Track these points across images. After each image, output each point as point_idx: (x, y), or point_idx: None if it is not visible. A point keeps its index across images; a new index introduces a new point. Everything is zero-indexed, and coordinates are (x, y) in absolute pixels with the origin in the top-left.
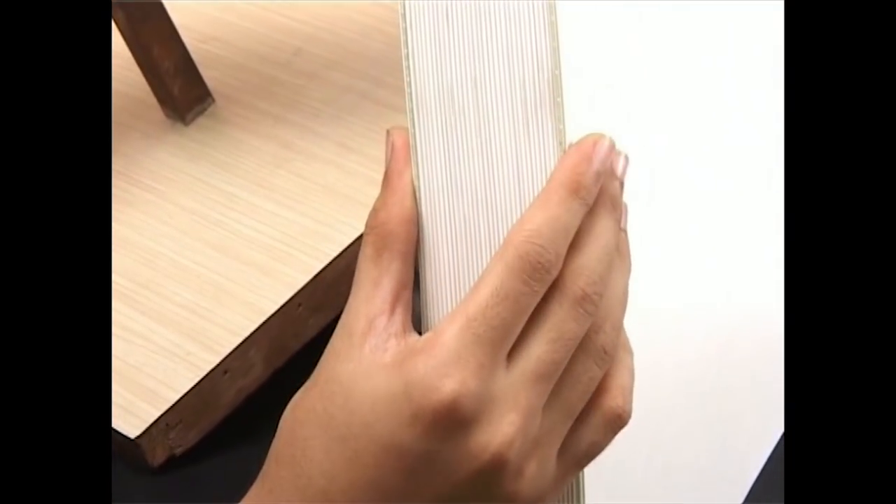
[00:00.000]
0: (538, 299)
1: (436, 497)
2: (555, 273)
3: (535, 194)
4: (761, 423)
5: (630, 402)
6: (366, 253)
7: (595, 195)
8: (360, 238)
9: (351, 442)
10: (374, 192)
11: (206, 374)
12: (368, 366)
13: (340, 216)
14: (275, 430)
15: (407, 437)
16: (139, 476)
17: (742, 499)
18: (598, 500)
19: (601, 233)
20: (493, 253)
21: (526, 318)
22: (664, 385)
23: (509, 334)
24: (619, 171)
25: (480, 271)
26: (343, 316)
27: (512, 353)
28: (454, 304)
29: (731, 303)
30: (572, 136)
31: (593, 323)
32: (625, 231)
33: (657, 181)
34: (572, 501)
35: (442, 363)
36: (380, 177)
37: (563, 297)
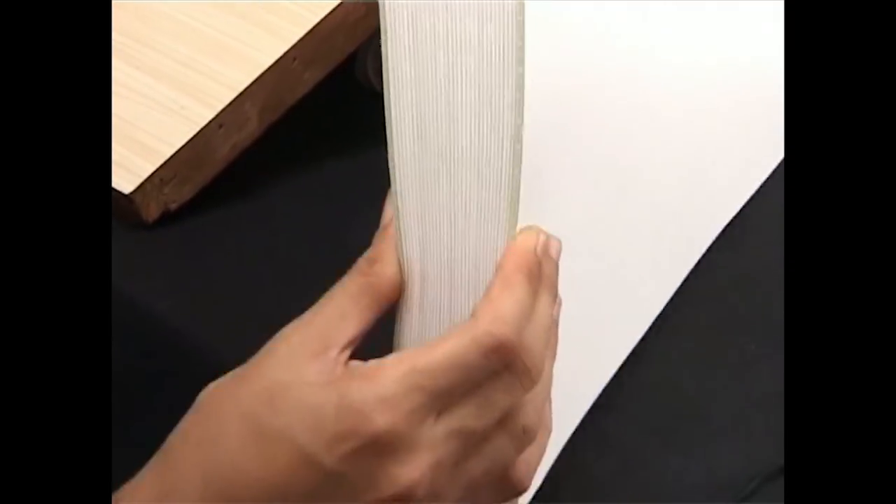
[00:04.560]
0: (489, 376)
1: None
2: (515, 354)
3: (489, 270)
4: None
5: (531, 478)
6: (348, 287)
7: (540, 278)
8: None
9: (269, 443)
10: None
11: (201, 129)
12: (307, 378)
13: None
14: (269, 185)
15: (325, 454)
16: (133, 231)
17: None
18: None
19: (542, 313)
20: (451, 319)
21: (470, 387)
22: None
23: (449, 397)
24: (554, 254)
25: (440, 332)
26: (296, 323)
27: (442, 410)
28: None
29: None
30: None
31: (519, 402)
32: (556, 321)
33: None
34: None
35: (378, 397)
36: None
37: (506, 370)
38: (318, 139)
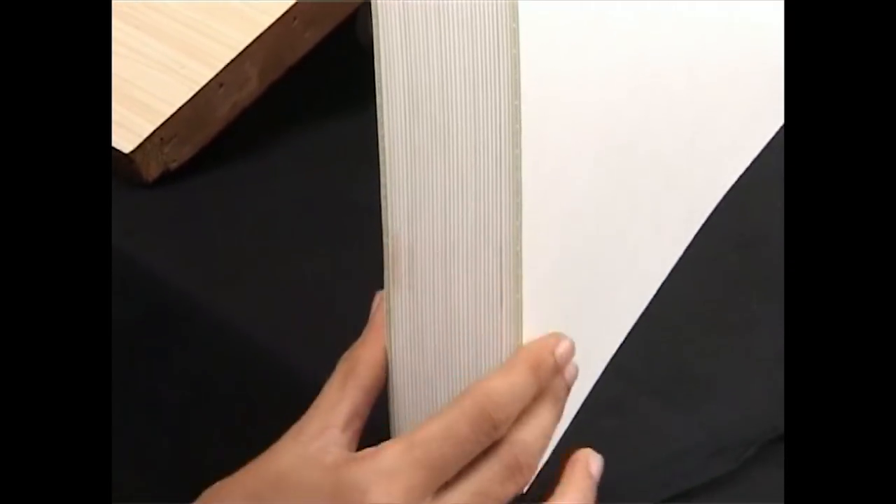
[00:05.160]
0: (479, 450)
1: None
2: (501, 431)
3: (489, 361)
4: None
5: None
6: (334, 379)
7: (548, 380)
8: None
9: None
10: None
11: (201, 88)
12: (308, 460)
13: None
14: (269, 145)
15: None
16: (133, 191)
17: None
18: None
19: (544, 417)
20: (447, 297)
21: (463, 463)
22: None
23: (445, 471)
24: (568, 377)
25: (434, 312)
26: (296, 424)
27: (439, 492)
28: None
29: None
30: None
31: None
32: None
33: None
34: None
35: (375, 472)
36: None
37: (499, 460)
38: (318, 99)
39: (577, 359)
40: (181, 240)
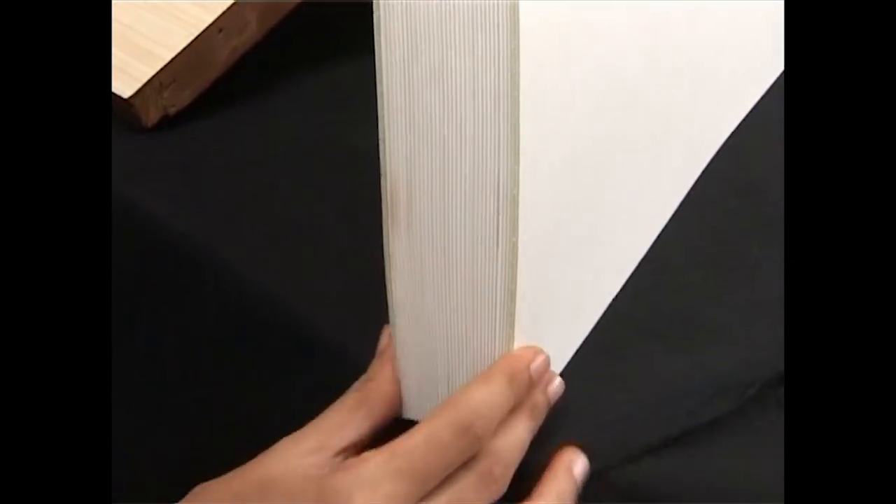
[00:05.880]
0: (461, 459)
1: None
2: (484, 442)
3: (485, 303)
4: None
5: None
6: (346, 401)
7: (524, 393)
8: None
9: None
10: None
11: (201, 33)
12: (297, 469)
13: None
14: (269, 90)
15: None
16: (133, 136)
17: None
18: None
19: (520, 429)
20: (445, 236)
21: (445, 473)
22: None
23: (427, 481)
24: (551, 393)
25: (432, 249)
26: (295, 434)
27: (421, 497)
28: None
29: None
30: None
31: None
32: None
33: None
34: None
35: (358, 481)
36: None
37: (475, 471)
38: (317, 44)
39: (573, 305)
40: (181, 184)
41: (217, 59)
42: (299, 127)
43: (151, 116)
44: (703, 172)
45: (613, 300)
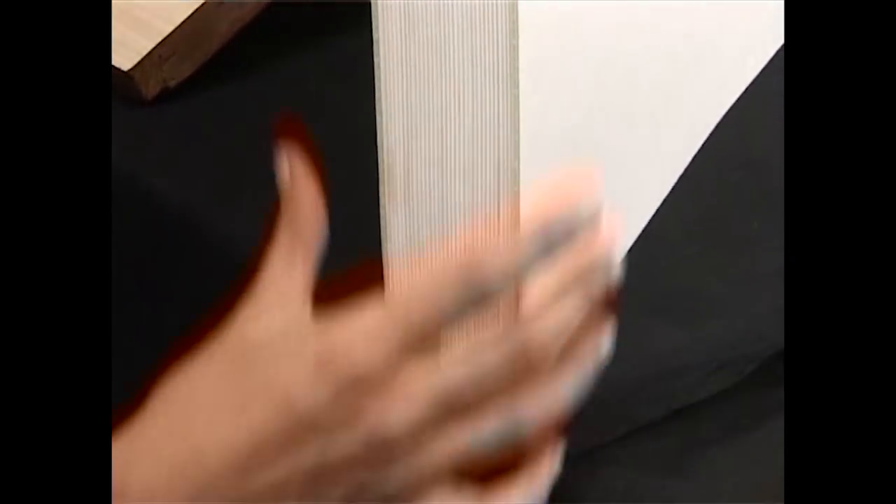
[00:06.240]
0: (463, 306)
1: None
2: (491, 291)
3: (486, 159)
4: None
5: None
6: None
7: (555, 246)
8: None
9: (242, 390)
10: None
11: (201, 5)
12: (283, 328)
13: None
14: (269, 62)
15: (302, 387)
16: (133, 108)
17: None
18: None
19: (565, 305)
20: (443, 208)
21: (446, 321)
22: None
23: (426, 328)
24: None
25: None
26: (245, 297)
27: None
28: None
29: None
30: None
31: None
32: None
33: None
34: None
35: (362, 331)
36: None
37: (499, 347)
38: (318, 16)
39: None
40: (180, 156)
41: (217, 31)
42: (300, 99)
43: (151, 89)
44: (703, 146)
45: None
